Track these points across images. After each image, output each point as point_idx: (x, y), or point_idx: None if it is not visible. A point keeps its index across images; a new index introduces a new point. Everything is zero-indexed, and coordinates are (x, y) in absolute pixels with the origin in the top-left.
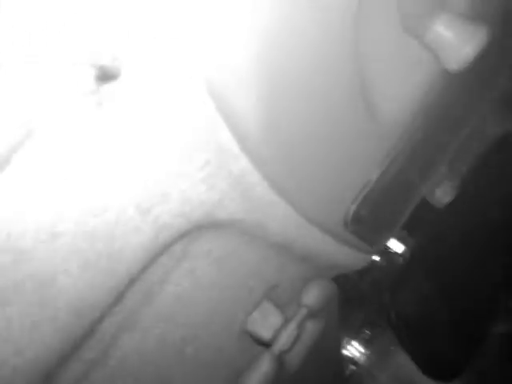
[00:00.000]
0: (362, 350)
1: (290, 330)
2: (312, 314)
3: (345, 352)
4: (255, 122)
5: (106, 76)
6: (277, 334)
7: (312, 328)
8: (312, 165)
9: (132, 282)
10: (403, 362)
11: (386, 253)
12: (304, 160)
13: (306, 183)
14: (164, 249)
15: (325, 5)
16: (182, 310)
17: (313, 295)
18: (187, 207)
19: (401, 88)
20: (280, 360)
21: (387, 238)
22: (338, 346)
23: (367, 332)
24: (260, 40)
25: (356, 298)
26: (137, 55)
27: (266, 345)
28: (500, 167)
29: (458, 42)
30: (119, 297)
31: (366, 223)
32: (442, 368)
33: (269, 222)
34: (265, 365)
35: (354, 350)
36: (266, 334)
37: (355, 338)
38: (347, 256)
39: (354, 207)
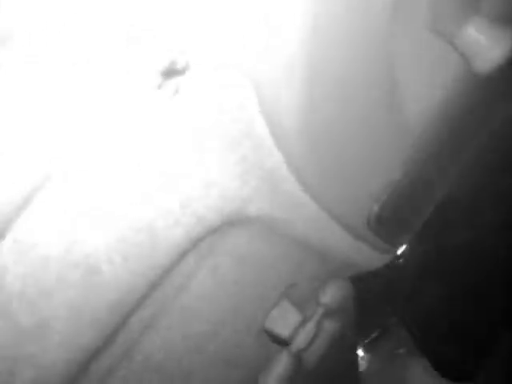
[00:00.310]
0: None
1: (308, 328)
2: (329, 314)
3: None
4: (291, 117)
5: (175, 71)
6: (295, 332)
7: (329, 327)
8: (340, 162)
9: (164, 274)
10: (409, 364)
11: (400, 255)
12: (334, 157)
13: (333, 180)
14: (195, 243)
15: (363, 6)
16: (205, 306)
17: (331, 294)
18: (222, 202)
19: (427, 88)
20: (298, 358)
21: (406, 239)
22: (354, 346)
23: (375, 335)
24: (304, 42)
25: (369, 299)
26: (201, 52)
27: (285, 343)
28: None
29: (488, 45)
30: (152, 289)
31: (388, 224)
32: (459, 369)
33: (294, 218)
34: (283, 363)
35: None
36: (284, 332)
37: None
38: (365, 255)
39: (376, 207)
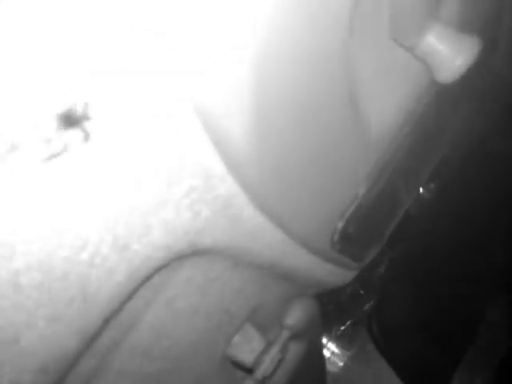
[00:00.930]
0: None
1: (273, 354)
2: (295, 335)
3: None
4: (244, 142)
5: (74, 119)
6: (259, 358)
7: (295, 350)
8: (301, 183)
9: (106, 322)
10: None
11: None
12: (293, 179)
13: (295, 203)
14: (142, 283)
15: (318, 18)
16: (160, 342)
17: (295, 316)
18: (170, 238)
19: (389, 99)
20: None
21: (373, 253)
22: (322, 363)
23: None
24: (251, 61)
25: (335, 311)
26: (112, 89)
27: (249, 370)
28: (473, 177)
29: (450, 54)
30: (91, 341)
31: (353, 240)
32: (424, 378)
33: (255, 244)
34: None
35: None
36: (248, 359)
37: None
38: (332, 274)
39: (341, 225)
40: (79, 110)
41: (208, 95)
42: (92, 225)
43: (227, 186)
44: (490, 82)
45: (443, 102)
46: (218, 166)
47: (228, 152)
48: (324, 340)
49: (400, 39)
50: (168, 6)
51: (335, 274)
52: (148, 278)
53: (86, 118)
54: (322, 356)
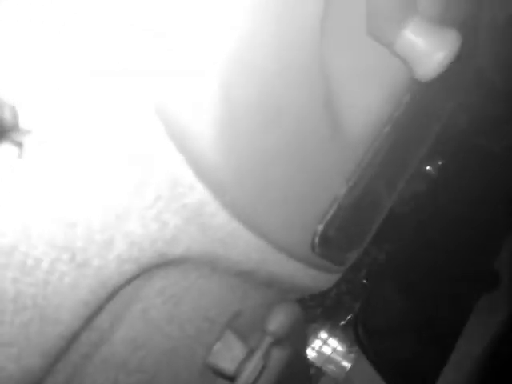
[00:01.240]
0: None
1: (255, 361)
2: (278, 341)
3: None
4: (212, 145)
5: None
6: (241, 366)
7: (279, 356)
8: (276, 188)
9: (73, 338)
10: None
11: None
12: (267, 184)
13: (271, 208)
14: (110, 297)
15: (289, 16)
16: (135, 353)
17: (277, 321)
18: (135, 251)
19: (367, 99)
20: None
21: (355, 256)
22: (307, 369)
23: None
24: (219, 60)
25: (320, 315)
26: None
27: (231, 378)
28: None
29: (429, 49)
30: (58, 359)
31: (334, 243)
32: (411, 379)
33: (230, 251)
34: None
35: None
36: (229, 367)
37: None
38: (314, 278)
39: (321, 228)
40: (7, 118)
41: (173, 99)
42: (44, 242)
43: (196, 193)
44: (470, 77)
45: (424, 100)
46: (185, 174)
47: (196, 159)
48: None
49: (377, 35)
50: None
51: (317, 278)
52: (116, 292)
53: (15, 128)
54: (306, 362)
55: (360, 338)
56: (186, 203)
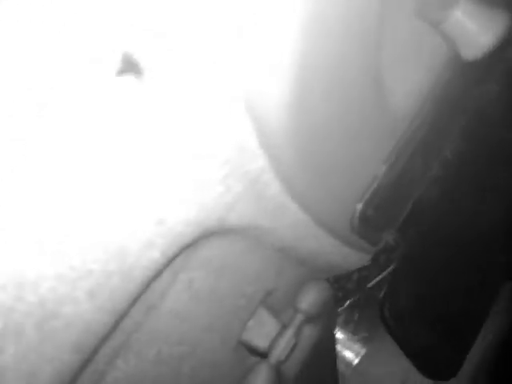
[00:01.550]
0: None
1: (287, 338)
2: (309, 319)
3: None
4: (282, 119)
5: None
6: (273, 343)
7: (309, 334)
8: (329, 163)
9: (135, 301)
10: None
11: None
12: (321, 159)
13: (321, 183)
14: (170, 261)
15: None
16: (179, 326)
17: (310, 299)
18: (202, 213)
19: (412, 76)
20: (277, 370)
21: (388, 236)
22: (335, 348)
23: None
24: (294, 37)
25: (343, 298)
26: (165, 51)
27: (263, 355)
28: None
29: (476, 30)
30: (121, 320)
31: (372, 223)
32: (437, 366)
33: (278, 225)
34: (261, 377)
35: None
36: (262, 343)
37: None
38: (347, 257)
39: (360, 206)
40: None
41: (249, 66)
42: (129, 198)
43: (258, 161)
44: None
45: (467, 80)
46: (250, 139)
47: (263, 126)
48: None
49: (425, 14)
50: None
51: (350, 257)
52: (177, 256)
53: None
54: (335, 341)
55: (387, 320)
56: (248, 170)
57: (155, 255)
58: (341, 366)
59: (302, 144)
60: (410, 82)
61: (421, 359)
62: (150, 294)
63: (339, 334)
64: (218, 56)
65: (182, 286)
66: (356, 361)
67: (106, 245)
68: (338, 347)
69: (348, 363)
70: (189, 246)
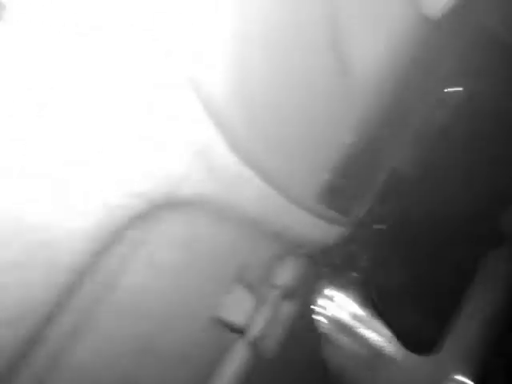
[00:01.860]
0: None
1: (264, 313)
2: (286, 295)
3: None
4: (227, 86)
5: None
6: (250, 319)
7: (287, 310)
8: (285, 131)
9: (80, 275)
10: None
11: (359, 225)
12: (276, 127)
13: (279, 153)
14: (116, 235)
15: None
16: (143, 301)
17: (286, 275)
18: (147, 184)
19: (375, 43)
20: (255, 347)
21: (360, 207)
22: (315, 324)
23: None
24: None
25: (330, 274)
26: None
27: (240, 331)
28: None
29: None
30: (66, 294)
31: (339, 192)
32: (421, 341)
33: (238, 197)
34: (239, 354)
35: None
36: (238, 319)
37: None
38: (321, 230)
39: (326, 176)
40: None
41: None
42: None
43: (206, 131)
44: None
45: (432, 41)
46: (200, 111)
47: (210, 95)
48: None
49: None
50: None
51: (324, 230)
52: (122, 231)
53: None
54: (314, 317)
55: (373, 298)
56: (196, 140)
57: (87, 227)
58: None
59: (251, 113)
60: (374, 49)
61: (406, 337)
62: (106, 270)
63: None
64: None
65: (143, 260)
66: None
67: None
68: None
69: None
70: (145, 220)
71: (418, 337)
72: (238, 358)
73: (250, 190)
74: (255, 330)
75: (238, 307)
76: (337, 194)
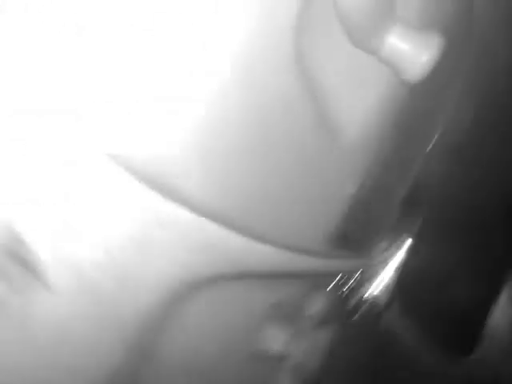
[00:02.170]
0: None
1: (301, 341)
2: (320, 323)
3: None
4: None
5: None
6: (288, 346)
7: (323, 336)
8: (279, 201)
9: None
10: None
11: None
12: (269, 199)
13: (280, 220)
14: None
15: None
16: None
17: (317, 305)
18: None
19: (360, 101)
20: (297, 372)
21: (380, 239)
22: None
23: None
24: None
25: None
26: None
27: (280, 359)
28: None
29: (414, 53)
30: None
31: (353, 235)
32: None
33: (255, 266)
34: (285, 379)
35: None
36: (278, 348)
37: None
38: (341, 264)
39: (338, 225)
40: None
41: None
42: None
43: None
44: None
45: (418, 98)
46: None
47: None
48: None
49: (358, 42)
50: None
51: (345, 264)
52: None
53: None
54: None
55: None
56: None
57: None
58: None
59: (236, 193)
60: (363, 107)
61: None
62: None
63: None
64: None
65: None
66: None
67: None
68: None
69: None
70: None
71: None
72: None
73: (262, 257)
74: (295, 355)
75: (276, 338)
76: (350, 237)
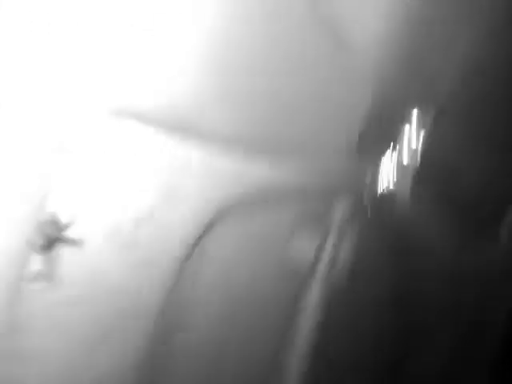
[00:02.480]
0: None
1: (329, 245)
2: (343, 230)
3: None
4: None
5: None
6: (317, 254)
7: (349, 237)
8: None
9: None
10: None
11: None
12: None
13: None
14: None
15: None
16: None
17: (340, 211)
18: None
19: (367, 12)
20: (327, 278)
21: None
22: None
23: None
24: None
25: None
26: None
27: (310, 269)
28: None
29: None
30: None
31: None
32: None
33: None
34: (315, 287)
35: None
36: (306, 257)
37: None
38: (360, 167)
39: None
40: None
41: None
42: None
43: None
44: None
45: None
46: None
47: None
48: None
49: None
50: None
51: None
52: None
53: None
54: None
55: None
56: None
57: None
58: None
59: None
60: (368, 18)
61: None
62: None
63: None
64: None
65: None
66: None
67: None
68: None
69: None
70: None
71: None
72: (315, 291)
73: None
74: (324, 264)
75: (304, 247)
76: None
